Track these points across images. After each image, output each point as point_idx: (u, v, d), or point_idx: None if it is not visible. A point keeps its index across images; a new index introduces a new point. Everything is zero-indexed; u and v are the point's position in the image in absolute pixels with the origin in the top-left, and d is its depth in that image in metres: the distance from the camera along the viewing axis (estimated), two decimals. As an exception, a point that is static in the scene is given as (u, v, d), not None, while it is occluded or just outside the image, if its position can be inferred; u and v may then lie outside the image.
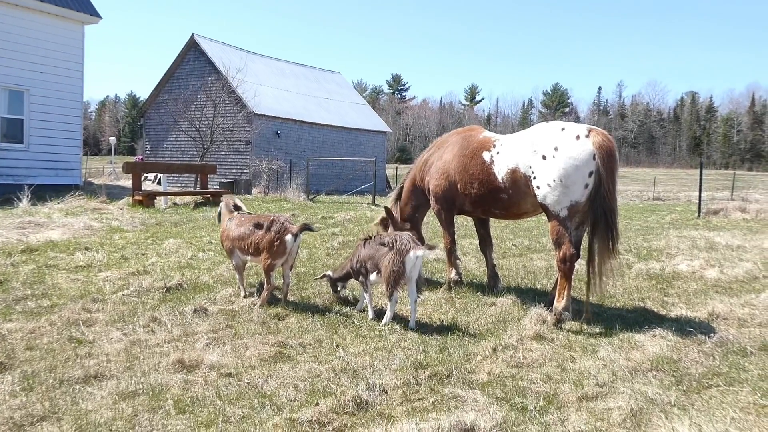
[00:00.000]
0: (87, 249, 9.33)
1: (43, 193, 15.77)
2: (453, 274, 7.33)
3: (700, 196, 19.98)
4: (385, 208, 7.66)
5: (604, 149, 5.67)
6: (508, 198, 6.43)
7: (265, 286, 6.44)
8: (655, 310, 6.51)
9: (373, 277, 6.07)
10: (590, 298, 6.08)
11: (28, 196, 14.60)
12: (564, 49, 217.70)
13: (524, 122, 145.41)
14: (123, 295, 6.66)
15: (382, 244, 6.01)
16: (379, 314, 6.01)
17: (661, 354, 4.94)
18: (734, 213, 18.54)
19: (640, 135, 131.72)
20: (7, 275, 7.47)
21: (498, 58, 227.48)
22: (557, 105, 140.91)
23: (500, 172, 6.38)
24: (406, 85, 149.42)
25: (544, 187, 5.89)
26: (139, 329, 5.47)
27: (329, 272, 6.77)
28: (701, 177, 19.94)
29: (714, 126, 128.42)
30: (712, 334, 5.41)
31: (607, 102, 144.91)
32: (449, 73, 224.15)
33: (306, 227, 6.48)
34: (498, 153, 6.46)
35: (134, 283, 7.09)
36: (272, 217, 6.52)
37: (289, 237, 6.28)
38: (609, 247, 5.84)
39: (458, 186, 6.89)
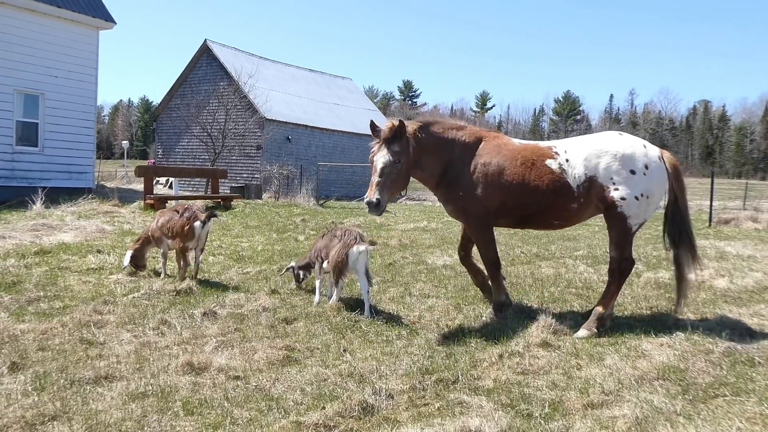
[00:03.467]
0: (99, 252, 9.43)
1: (56, 196, 15.91)
2: (502, 297, 6.53)
3: (711, 206, 19.88)
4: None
5: (677, 170, 6.30)
6: (577, 207, 6.19)
7: (180, 266, 7.68)
8: (663, 318, 6.49)
9: (324, 265, 6.82)
10: (681, 305, 6.45)
11: (41, 198, 14.73)
12: (576, 56, 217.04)
13: (535, 129, 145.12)
14: (134, 297, 6.74)
15: (334, 237, 6.78)
16: (357, 306, 6.05)
17: (668, 363, 4.93)
18: (746, 223, 18.43)
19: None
20: (20, 277, 7.56)
21: (509, 65, 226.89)
22: (569, 112, 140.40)
23: (576, 180, 6.08)
24: (417, 92, 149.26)
25: (630, 199, 5.98)
26: (149, 331, 5.54)
27: (293, 263, 7.50)
28: (713, 186, 19.84)
29: (727, 135, 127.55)
30: (719, 344, 5.39)
31: (618, 110, 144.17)
32: (460, 80, 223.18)
33: (212, 215, 7.61)
34: (568, 161, 6.12)
35: (145, 286, 7.16)
36: (186, 206, 7.73)
37: (197, 223, 7.39)
38: (694, 258, 6.44)
39: (512, 198, 6.16)
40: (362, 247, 6.43)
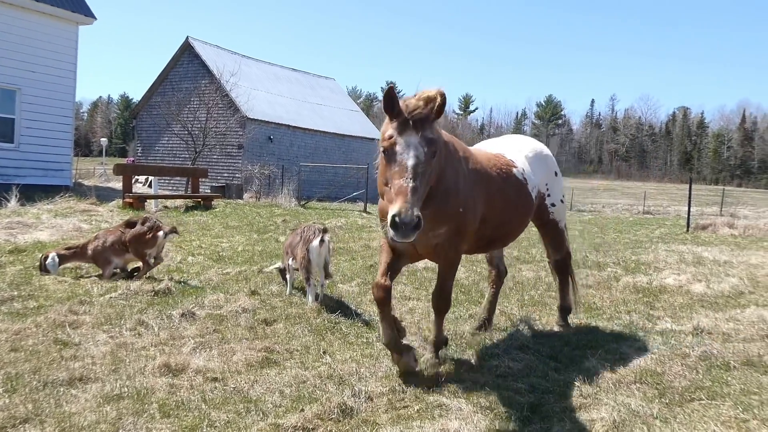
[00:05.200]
0: (75, 250, 9.29)
1: (32, 194, 15.67)
2: (444, 335, 5.19)
3: (689, 211, 20.14)
4: None
5: None
6: (527, 223, 5.74)
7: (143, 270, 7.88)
8: (641, 323, 6.56)
9: (290, 261, 7.08)
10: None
11: (16, 196, 14.49)
12: (558, 62, 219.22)
13: (518, 133, 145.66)
14: (110, 297, 6.65)
15: (297, 234, 7.08)
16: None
17: (645, 366, 4.98)
18: (723, 228, 18.68)
19: (631, 149, 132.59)
20: (-7, 275, 7.43)
21: (493, 68, 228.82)
22: (550, 117, 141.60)
23: (534, 191, 5.53)
24: (401, 93, 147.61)
25: (558, 205, 6.04)
26: (125, 332, 5.46)
27: (279, 264, 7.68)
28: (690, 192, 20.10)
29: (705, 141, 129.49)
30: (696, 348, 5.45)
31: (599, 115, 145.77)
32: (444, 82, 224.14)
33: (173, 230, 8.04)
34: (524, 171, 5.46)
35: (122, 286, 7.07)
36: (146, 217, 8.27)
37: (161, 233, 7.75)
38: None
39: (495, 215, 5.08)
40: (315, 242, 6.63)
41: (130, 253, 7.78)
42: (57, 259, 7.71)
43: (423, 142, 3.85)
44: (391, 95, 3.93)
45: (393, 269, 4.78)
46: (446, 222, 4.50)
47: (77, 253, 7.91)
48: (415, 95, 4.05)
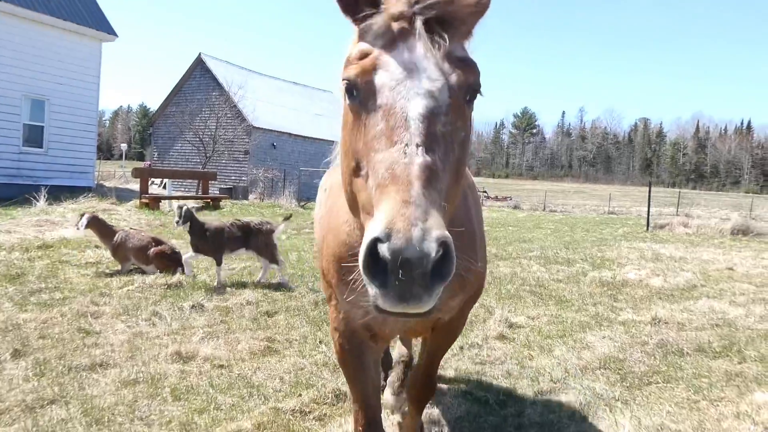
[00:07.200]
0: (97, 247, 9.21)
1: (59, 194, 15.55)
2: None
3: (648, 212, 20.24)
4: None
5: None
6: None
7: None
8: (606, 314, 6.58)
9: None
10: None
11: (45, 196, 14.40)
12: (532, 76, 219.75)
13: (496, 141, 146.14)
14: (128, 290, 6.60)
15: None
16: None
17: (609, 354, 5.00)
18: (678, 227, 18.80)
19: (598, 155, 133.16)
20: (24, 269, 7.37)
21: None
22: (526, 126, 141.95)
23: None
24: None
25: None
26: (141, 322, 5.43)
27: None
28: (650, 194, 20.23)
29: (663, 149, 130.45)
30: (654, 337, 5.48)
31: (570, 125, 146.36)
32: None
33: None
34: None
35: (138, 280, 7.03)
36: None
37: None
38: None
39: None
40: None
41: (151, 264, 7.63)
42: (85, 222, 7.71)
43: (450, 66, 1.61)
44: None
45: (376, 399, 2.58)
46: (466, 287, 2.39)
47: (106, 231, 7.86)
48: None
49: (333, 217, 2.33)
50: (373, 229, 1.37)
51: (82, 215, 7.86)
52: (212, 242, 7.16)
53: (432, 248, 1.32)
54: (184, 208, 7.11)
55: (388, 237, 1.33)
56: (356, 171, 1.64)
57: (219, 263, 7.19)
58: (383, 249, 1.33)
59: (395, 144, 1.49)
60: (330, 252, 2.31)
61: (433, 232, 1.33)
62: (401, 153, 1.47)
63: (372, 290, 1.40)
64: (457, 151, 1.61)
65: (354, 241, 2.09)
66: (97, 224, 7.85)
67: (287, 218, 7.97)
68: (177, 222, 7.06)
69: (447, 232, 1.36)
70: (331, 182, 2.63)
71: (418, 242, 1.32)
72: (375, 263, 1.36)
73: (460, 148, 1.62)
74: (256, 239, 7.35)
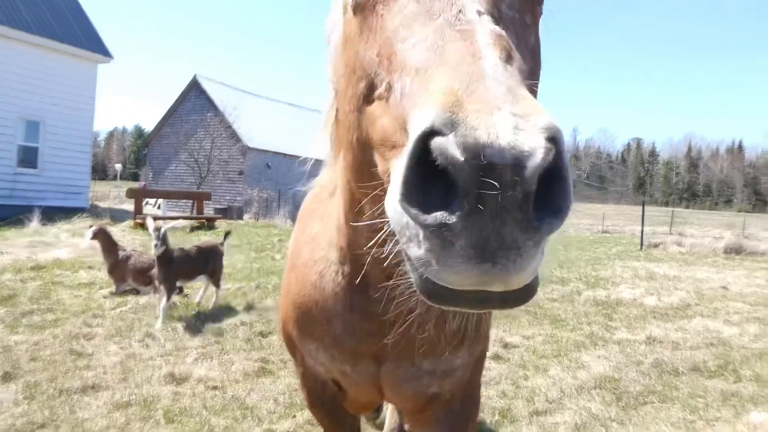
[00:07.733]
0: (90, 268, 9.18)
1: (52, 215, 15.48)
2: None
3: (642, 231, 20.30)
4: None
5: None
6: None
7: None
8: (600, 333, 6.57)
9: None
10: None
11: (38, 217, 14.34)
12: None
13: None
14: (121, 311, 6.56)
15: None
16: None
17: (604, 373, 4.99)
18: (672, 246, 18.86)
19: (592, 174, 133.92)
20: (16, 290, 7.31)
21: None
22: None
23: None
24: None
25: None
26: (134, 344, 5.39)
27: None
28: (644, 213, 20.30)
29: (656, 168, 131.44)
30: (649, 356, 5.48)
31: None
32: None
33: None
34: None
35: (132, 301, 6.99)
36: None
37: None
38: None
39: None
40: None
41: (149, 285, 7.35)
42: (92, 233, 7.81)
43: None
44: None
45: None
46: (478, 340, 1.95)
47: (111, 246, 7.87)
48: None
49: (298, 252, 1.84)
50: (423, 118, 0.78)
51: (90, 227, 7.97)
52: (179, 268, 6.71)
53: (537, 144, 0.75)
54: (162, 230, 6.59)
55: (452, 125, 0.75)
56: (368, 94, 1.08)
57: (173, 294, 6.62)
58: (446, 145, 0.74)
59: (440, 16, 0.95)
60: (292, 299, 1.81)
61: (531, 117, 0.77)
62: (454, 18, 0.94)
63: (417, 248, 0.80)
64: (529, 61, 1.04)
65: (331, 283, 1.57)
66: (103, 237, 7.87)
67: (227, 235, 8.15)
68: (155, 245, 6.47)
69: (556, 120, 0.80)
70: (303, 208, 2.17)
71: (509, 132, 0.74)
72: (426, 180, 0.77)
73: (531, 56, 1.08)
74: (213, 263, 7.21)
